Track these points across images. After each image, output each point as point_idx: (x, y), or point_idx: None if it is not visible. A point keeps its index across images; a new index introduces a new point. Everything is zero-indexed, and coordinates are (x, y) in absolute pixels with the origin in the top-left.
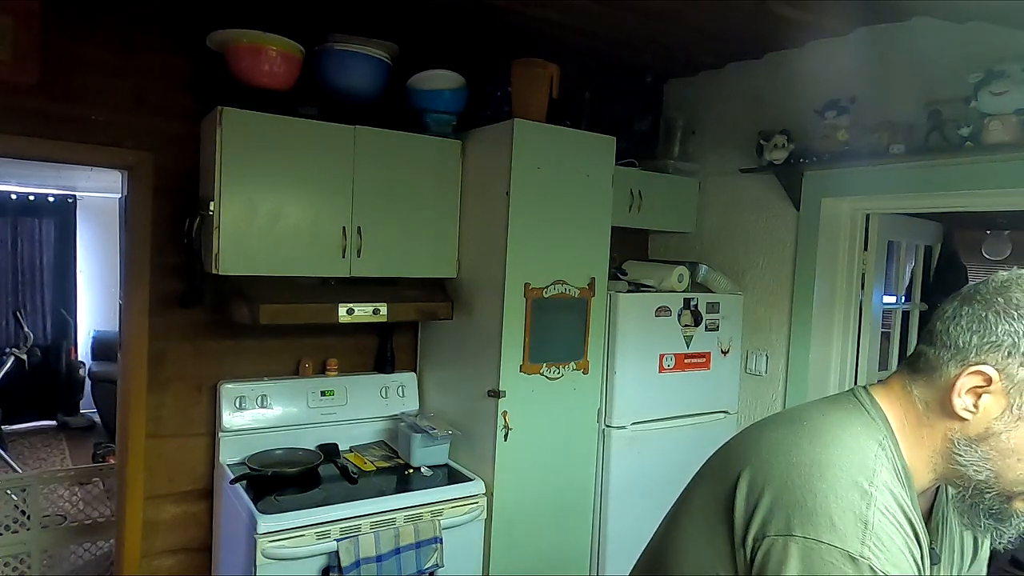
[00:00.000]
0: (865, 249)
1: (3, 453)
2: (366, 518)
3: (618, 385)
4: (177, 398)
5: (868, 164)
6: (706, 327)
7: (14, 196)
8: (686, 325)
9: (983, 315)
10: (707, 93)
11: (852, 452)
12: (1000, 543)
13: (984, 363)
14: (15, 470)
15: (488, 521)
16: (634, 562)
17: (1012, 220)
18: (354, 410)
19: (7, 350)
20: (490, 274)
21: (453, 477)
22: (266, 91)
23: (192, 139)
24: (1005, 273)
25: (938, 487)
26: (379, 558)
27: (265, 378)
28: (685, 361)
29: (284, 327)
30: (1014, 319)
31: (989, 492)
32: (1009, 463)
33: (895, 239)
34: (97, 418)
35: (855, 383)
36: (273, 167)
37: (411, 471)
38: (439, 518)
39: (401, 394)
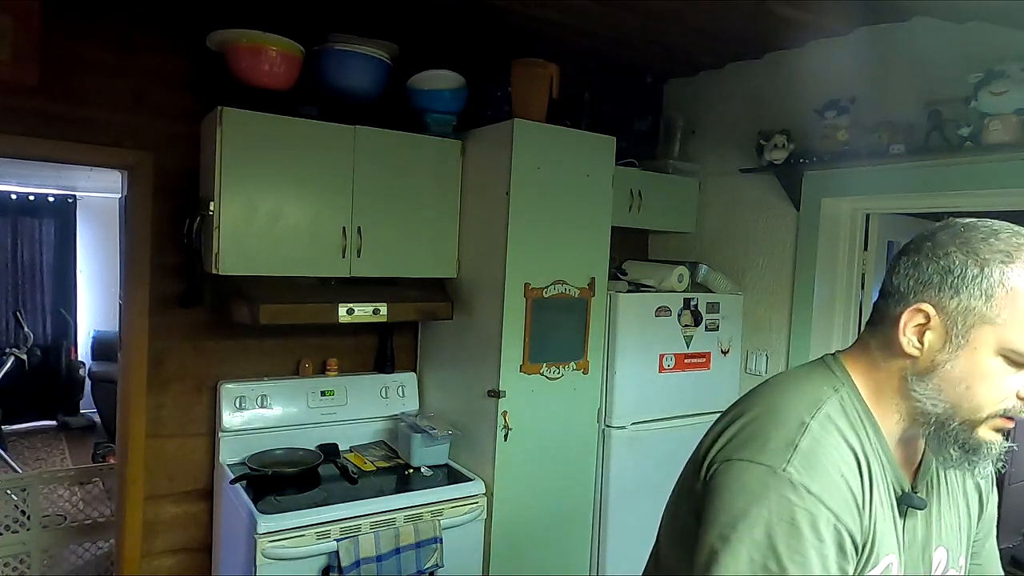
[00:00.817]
0: (865, 249)
1: (3, 453)
2: (366, 518)
3: (618, 385)
4: (177, 398)
5: (868, 164)
6: (706, 327)
7: (14, 196)
8: (686, 325)
9: (916, 260)
10: (707, 93)
11: (804, 395)
12: (980, 475)
13: (922, 301)
14: (15, 470)
15: (488, 521)
16: (633, 562)
17: (1012, 220)
18: (354, 410)
19: (7, 350)
20: (490, 274)
21: (453, 477)
22: (266, 91)
23: (192, 139)
24: (937, 223)
25: (925, 441)
26: (379, 558)
27: (265, 378)
28: (685, 361)
29: (284, 327)
30: (940, 257)
31: (951, 423)
32: (960, 391)
33: (895, 239)
34: (97, 418)
35: None
36: (273, 167)
37: (411, 471)
38: (439, 518)
39: (401, 394)
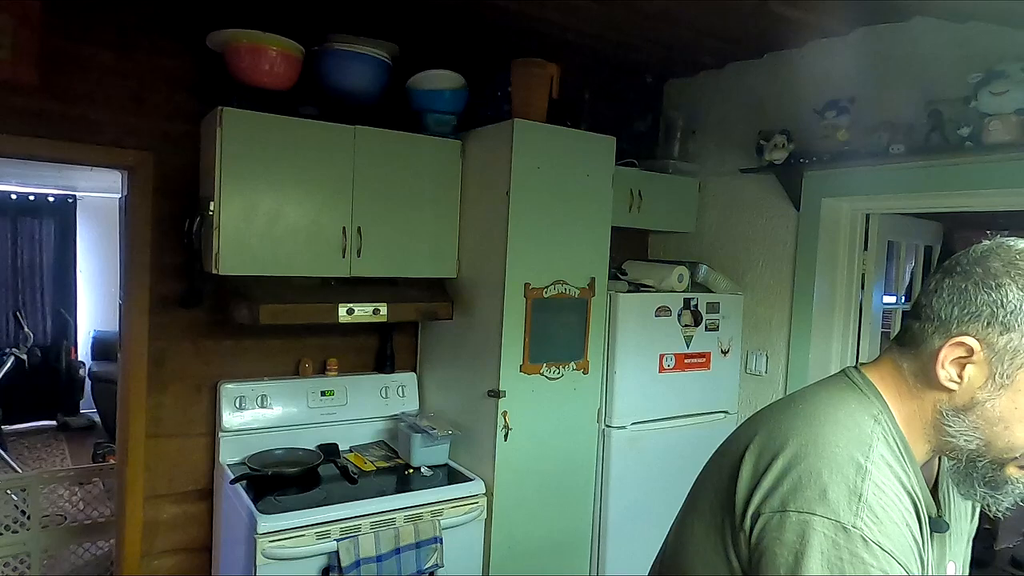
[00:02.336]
0: (865, 249)
1: (3, 453)
2: (366, 518)
3: (618, 385)
4: (177, 398)
5: (868, 164)
6: (706, 327)
7: (14, 196)
8: (686, 325)
9: (963, 286)
10: (707, 93)
11: (847, 429)
12: (998, 510)
13: (965, 334)
14: (15, 470)
15: (488, 521)
16: (633, 563)
17: (1012, 220)
18: (354, 410)
19: (7, 350)
20: (490, 274)
21: (453, 477)
22: (266, 91)
23: (192, 139)
24: (985, 243)
25: (940, 458)
26: (379, 558)
27: (265, 378)
28: (685, 361)
29: (284, 327)
30: (992, 288)
31: (981, 460)
32: (997, 431)
33: (895, 239)
34: (97, 418)
35: None
36: (273, 167)
37: (411, 471)
38: (439, 518)
39: (401, 394)
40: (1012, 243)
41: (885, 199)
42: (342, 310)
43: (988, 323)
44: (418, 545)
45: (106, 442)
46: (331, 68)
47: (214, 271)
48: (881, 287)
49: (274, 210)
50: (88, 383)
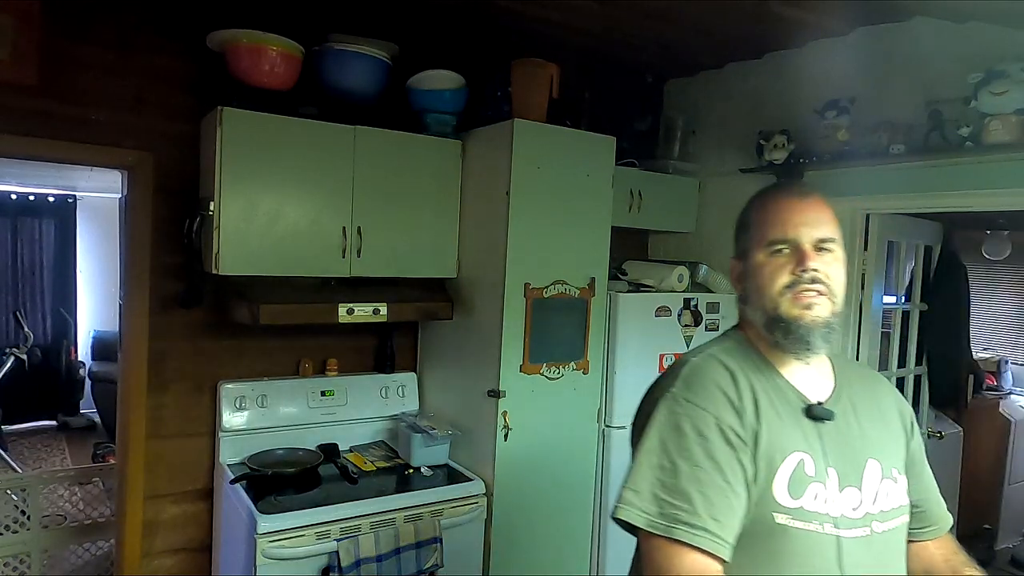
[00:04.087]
0: (865, 249)
1: (3, 453)
2: (366, 518)
3: (618, 385)
4: (177, 398)
5: (868, 164)
6: (706, 327)
7: (14, 196)
8: (686, 325)
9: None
10: (707, 93)
11: (697, 350)
12: (813, 351)
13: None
14: (15, 470)
15: (488, 521)
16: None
17: (1012, 220)
18: (354, 410)
19: (7, 350)
20: (490, 274)
21: (453, 477)
22: (266, 91)
23: (192, 139)
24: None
25: (837, 367)
26: (379, 558)
27: (265, 378)
28: None
29: (284, 327)
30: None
31: (761, 315)
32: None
33: (895, 239)
34: (97, 418)
35: None
36: (273, 167)
37: (411, 471)
38: (439, 518)
39: (401, 394)
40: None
41: (885, 199)
42: (342, 310)
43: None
44: (418, 545)
45: (106, 442)
46: (331, 68)
47: (214, 271)
48: (881, 287)
49: (274, 210)
50: (88, 383)
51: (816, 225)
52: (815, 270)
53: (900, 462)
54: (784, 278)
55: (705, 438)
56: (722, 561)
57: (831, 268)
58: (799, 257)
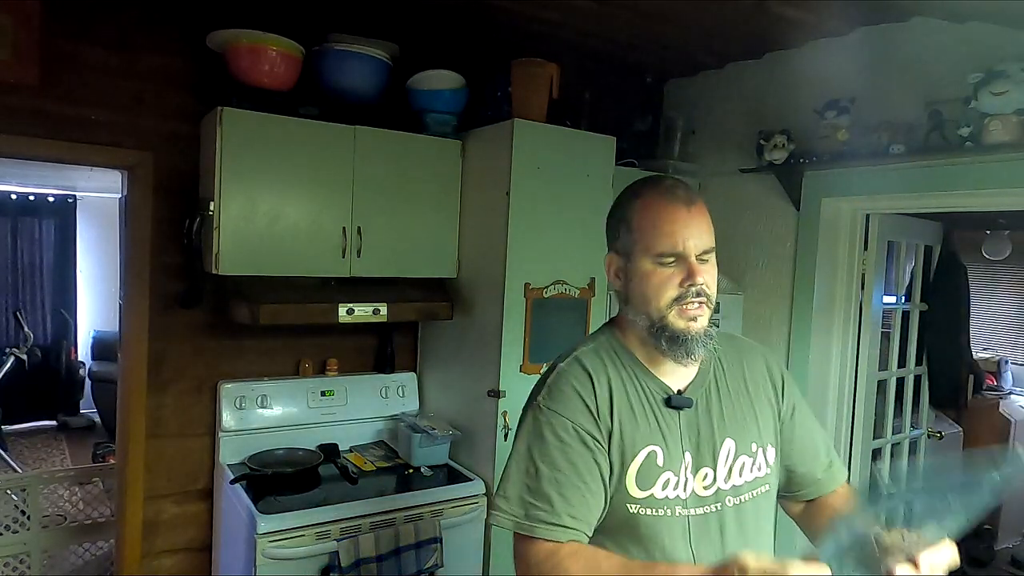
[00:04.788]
0: (865, 249)
1: (3, 453)
2: (366, 518)
3: None
4: (177, 398)
5: (868, 164)
6: None
7: (14, 196)
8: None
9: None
10: (707, 93)
11: (569, 352)
12: (691, 358)
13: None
14: (15, 470)
15: (488, 521)
16: None
17: (1012, 220)
18: (354, 410)
19: (7, 350)
20: (490, 274)
21: (453, 477)
22: (266, 91)
23: (192, 139)
24: None
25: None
26: (379, 558)
27: (265, 378)
28: None
29: (284, 327)
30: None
31: (645, 320)
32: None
33: (895, 239)
34: (97, 418)
35: (855, 383)
36: (273, 167)
37: (411, 471)
38: (439, 518)
39: (401, 394)
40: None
41: (885, 199)
42: (342, 310)
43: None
44: (418, 545)
45: (106, 442)
46: (331, 68)
47: (214, 271)
48: (881, 287)
49: (274, 210)
50: (88, 383)
51: (701, 237)
52: (703, 284)
53: (766, 434)
54: (672, 291)
55: (564, 443)
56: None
57: (709, 277)
58: (688, 271)
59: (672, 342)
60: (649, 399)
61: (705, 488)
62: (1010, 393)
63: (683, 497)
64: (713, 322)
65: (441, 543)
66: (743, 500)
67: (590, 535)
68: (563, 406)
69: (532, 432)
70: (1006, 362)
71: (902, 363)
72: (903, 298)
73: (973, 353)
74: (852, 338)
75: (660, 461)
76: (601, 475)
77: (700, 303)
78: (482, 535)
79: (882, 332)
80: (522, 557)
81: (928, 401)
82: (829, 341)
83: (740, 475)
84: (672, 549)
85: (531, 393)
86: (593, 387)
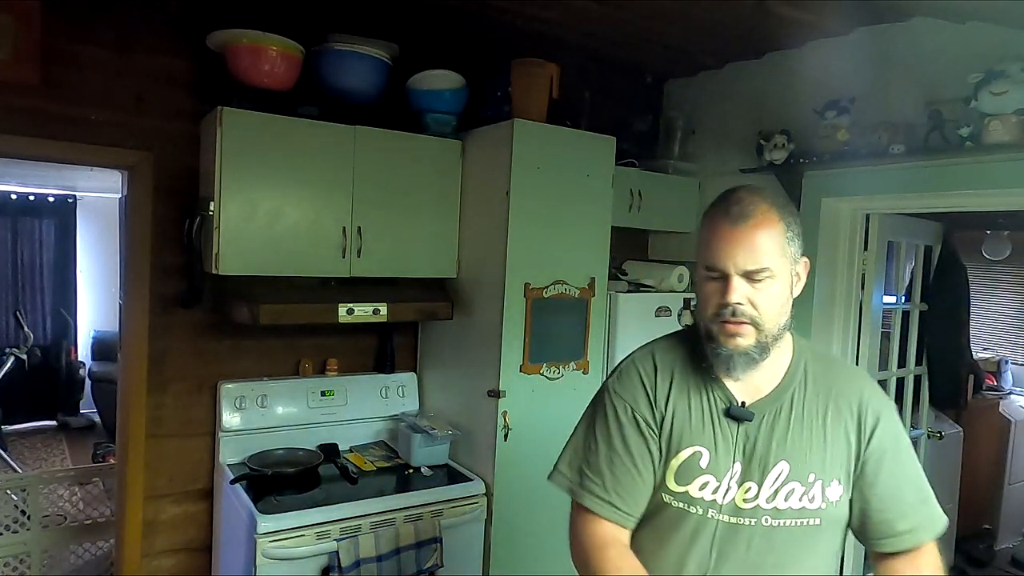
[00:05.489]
0: (865, 249)
1: (3, 453)
2: (366, 518)
3: None
4: (177, 398)
5: (868, 164)
6: None
7: (14, 196)
8: (686, 325)
9: None
10: (707, 93)
11: (656, 339)
12: (735, 373)
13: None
14: (15, 470)
15: (488, 521)
16: None
17: (1012, 220)
18: (354, 410)
19: (7, 350)
20: (490, 274)
21: (453, 477)
22: (266, 91)
23: (192, 139)
24: None
25: (786, 376)
26: (379, 558)
27: (265, 378)
28: None
29: (284, 327)
30: None
31: (703, 328)
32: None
33: (895, 239)
34: (97, 418)
35: None
36: (273, 167)
37: (411, 471)
38: (439, 518)
39: (401, 394)
40: None
41: (885, 199)
42: (342, 310)
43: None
44: (418, 545)
45: (106, 442)
46: (331, 68)
47: (214, 271)
48: (881, 287)
49: (274, 210)
50: (88, 383)
51: (747, 256)
52: (738, 303)
53: (831, 468)
54: (713, 306)
55: (622, 425)
56: (624, 529)
57: (760, 296)
58: (725, 288)
59: (714, 355)
60: (711, 403)
61: (746, 501)
62: (1010, 393)
63: (720, 503)
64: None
65: (441, 543)
66: (781, 524)
67: (634, 522)
68: (627, 390)
69: (598, 410)
70: (1006, 362)
71: (902, 363)
72: (903, 298)
73: (973, 353)
74: (852, 338)
75: (704, 463)
76: (652, 462)
77: (740, 322)
78: (482, 535)
79: (882, 332)
80: (575, 521)
81: (928, 401)
82: (829, 341)
83: (786, 500)
84: (692, 544)
85: (609, 375)
86: (656, 376)
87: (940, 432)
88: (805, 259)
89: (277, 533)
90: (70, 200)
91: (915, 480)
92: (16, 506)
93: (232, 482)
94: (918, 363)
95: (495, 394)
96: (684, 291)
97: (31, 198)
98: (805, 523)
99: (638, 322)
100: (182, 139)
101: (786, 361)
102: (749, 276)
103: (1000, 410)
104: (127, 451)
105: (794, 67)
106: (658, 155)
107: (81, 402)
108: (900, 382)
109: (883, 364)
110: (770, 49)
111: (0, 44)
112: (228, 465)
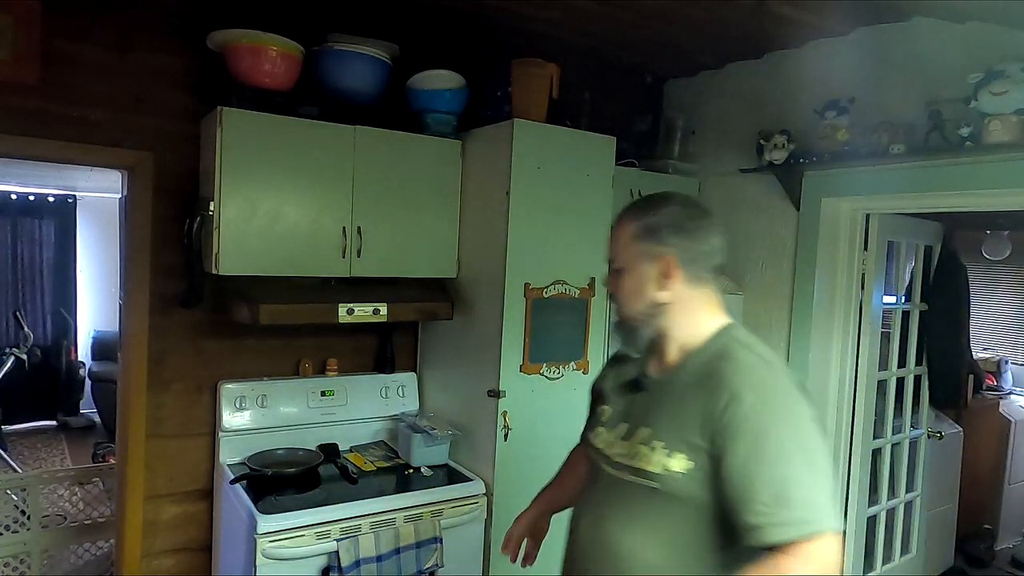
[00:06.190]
0: (865, 249)
1: (3, 453)
2: (366, 518)
3: None
4: (177, 398)
5: (868, 164)
6: None
7: (14, 196)
8: None
9: None
10: (707, 93)
11: None
12: (622, 345)
13: None
14: (15, 470)
15: (488, 521)
16: None
17: (1012, 220)
18: (354, 410)
19: (7, 350)
20: (490, 274)
21: (453, 477)
22: (266, 91)
23: (192, 139)
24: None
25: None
26: (379, 558)
27: (265, 378)
28: None
29: (284, 327)
30: None
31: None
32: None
33: (895, 239)
34: (97, 418)
35: (855, 383)
36: (273, 167)
37: (411, 471)
38: (439, 518)
39: (401, 394)
40: None
41: (885, 199)
42: (342, 310)
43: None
44: (418, 545)
45: (106, 442)
46: (331, 68)
47: (214, 271)
48: (881, 287)
49: (274, 210)
50: (88, 383)
51: (610, 251)
52: (606, 287)
53: (681, 441)
54: None
55: (590, 393)
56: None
57: (619, 282)
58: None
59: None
60: (628, 375)
61: (617, 453)
62: (1010, 393)
63: (606, 453)
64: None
65: (441, 543)
66: (625, 478)
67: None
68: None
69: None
70: (1006, 362)
71: (902, 363)
72: (903, 298)
73: (973, 353)
74: (852, 338)
75: (603, 418)
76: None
77: (615, 305)
78: (482, 535)
79: (882, 332)
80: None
81: (928, 401)
82: (829, 341)
83: (638, 460)
84: (589, 485)
85: None
86: (608, 362)
87: (940, 432)
88: (667, 258)
89: (277, 533)
90: (70, 200)
91: (777, 480)
92: (16, 506)
93: (232, 482)
94: (918, 363)
95: (495, 394)
96: None
97: (31, 198)
98: (643, 483)
99: None
100: (182, 139)
101: (695, 346)
102: (609, 267)
103: (1000, 410)
104: (127, 451)
105: (794, 67)
106: (658, 155)
107: (81, 402)
108: (900, 382)
109: (883, 364)
110: (770, 49)
111: (0, 44)
112: (228, 465)
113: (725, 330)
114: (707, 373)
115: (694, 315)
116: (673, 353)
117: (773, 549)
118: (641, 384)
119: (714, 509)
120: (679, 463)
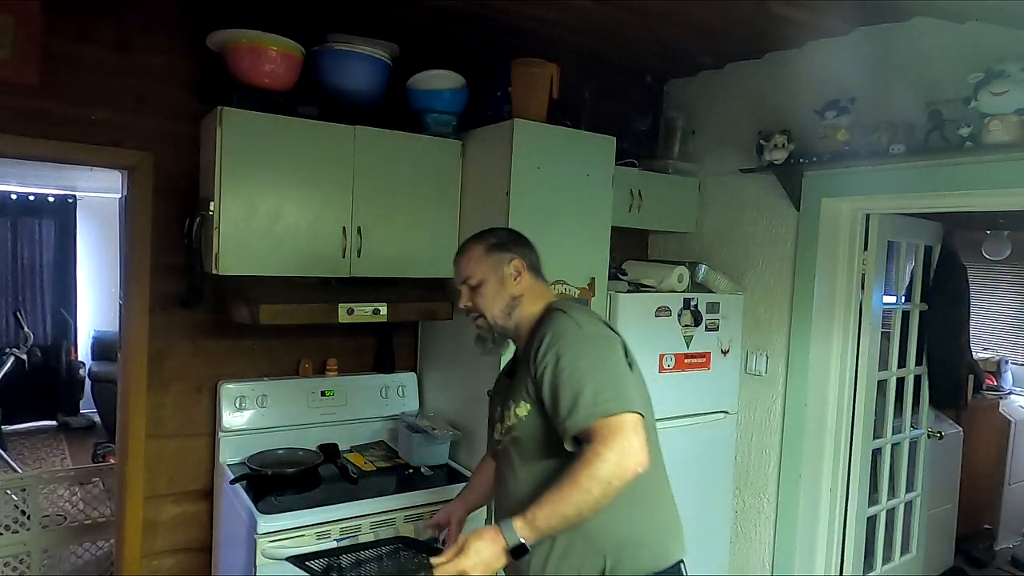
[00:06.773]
0: (865, 249)
1: (3, 453)
2: (366, 518)
3: None
4: (177, 398)
5: (868, 164)
6: (706, 327)
7: (14, 196)
8: (686, 325)
9: None
10: (707, 93)
11: None
12: (481, 352)
13: None
14: (15, 470)
15: (488, 521)
16: None
17: (1012, 220)
18: (354, 410)
19: (7, 350)
20: None
21: (453, 477)
22: (266, 91)
23: (192, 139)
24: None
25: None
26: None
27: (265, 378)
28: (685, 361)
29: (284, 327)
30: None
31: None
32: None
33: (895, 239)
34: (97, 418)
35: (855, 383)
36: (273, 167)
37: (411, 471)
38: None
39: (401, 394)
40: None
41: (885, 199)
42: (342, 310)
43: None
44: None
45: (106, 442)
46: (331, 68)
47: (214, 271)
48: (881, 287)
49: (274, 210)
50: (88, 383)
51: (459, 273)
52: (466, 305)
53: (520, 393)
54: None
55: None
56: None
57: (479, 293)
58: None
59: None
60: (507, 368)
61: (501, 433)
62: (1010, 393)
63: (497, 438)
64: (713, 322)
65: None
66: (506, 443)
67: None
68: None
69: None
70: (1006, 362)
71: (902, 363)
72: (903, 298)
73: (973, 353)
74: (852, 338)
75: (495, 413)
76: None
77: (472, 318)
78: None
79: (882, 332)
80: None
81: (928, 401)
82: (829, 341)
83: (505, 424)
84: (499, 472)
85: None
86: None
87: (940, 432)
88: (516, 260)
89: (277, 533)
90: (70, 200)
91: (572, 385)
92: (16, 506)
93: (232, 482)
94: (918, 363)
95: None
96: (684, 291)
97: (31, 198)
98: (512, 437)
99: (638, 322)
100: (182, 139)
101: (535, 322)
102: (467, 285)
103: (1000, 410)
104: (127, 451)
105: (794, 67)
106: (658, 155)
107: (81, 402)
108: (900, 382)
109: (883, 364)
110: (770, 49)
111: (0, 44)
112: (228, 465)
113: (550, 304)
114: (533, 335)
115: (537, 302)
116: (524, 335)
117: (583, 444)
118: (512, 370)
119: (552, 435)
120: (523, 409)
